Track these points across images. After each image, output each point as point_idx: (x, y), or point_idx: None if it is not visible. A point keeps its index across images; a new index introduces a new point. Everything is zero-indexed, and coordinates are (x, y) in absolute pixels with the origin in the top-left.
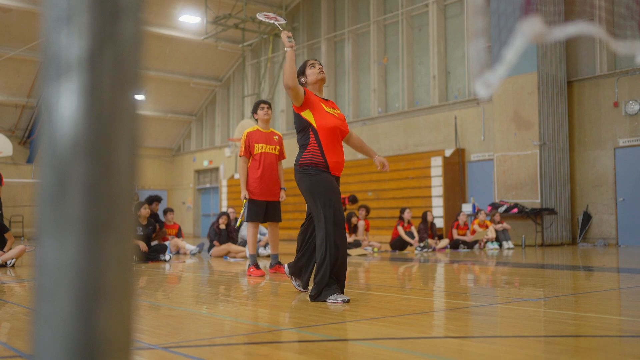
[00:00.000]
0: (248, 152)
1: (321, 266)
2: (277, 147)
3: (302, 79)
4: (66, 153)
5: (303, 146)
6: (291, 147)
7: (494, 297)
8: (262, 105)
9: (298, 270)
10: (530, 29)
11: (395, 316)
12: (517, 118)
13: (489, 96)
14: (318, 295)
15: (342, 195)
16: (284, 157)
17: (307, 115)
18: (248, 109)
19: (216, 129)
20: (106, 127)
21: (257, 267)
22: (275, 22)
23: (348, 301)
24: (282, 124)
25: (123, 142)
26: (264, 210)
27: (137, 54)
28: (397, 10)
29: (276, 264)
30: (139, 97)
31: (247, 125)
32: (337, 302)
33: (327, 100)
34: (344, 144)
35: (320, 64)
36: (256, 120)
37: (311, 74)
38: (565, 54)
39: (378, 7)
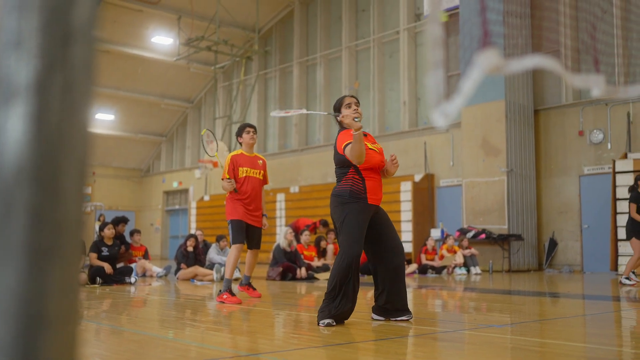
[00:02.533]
0: (232, 175)
1: (327, 295)
2: (261, 171)
3: (338, 118)
4: (11, 178)
5: (342, 174)
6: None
7: (460, 323)
8: (248, 129)
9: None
10: (486, 61)
11: (361, 342)
12: (486, 145)
13: (446, 126)
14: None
15: (313, 220)
16: (267, 182)
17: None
18: (219, 131)
19: (186, 151)
20: (53, 152)
21: (232, 293)
22: (303, 111)
23: (329, 325)
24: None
25: (71, 168)
26: (246, 233)
27: (88, 79)
28: (368, 36)
29: (247, 284)
30: (106, 117)
31: (218, 148)
32: (321, 325)
33: (366, 135)
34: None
35: (357, 102)
36: (240, 143)
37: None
38: (532, 83)
39: (350, 33)
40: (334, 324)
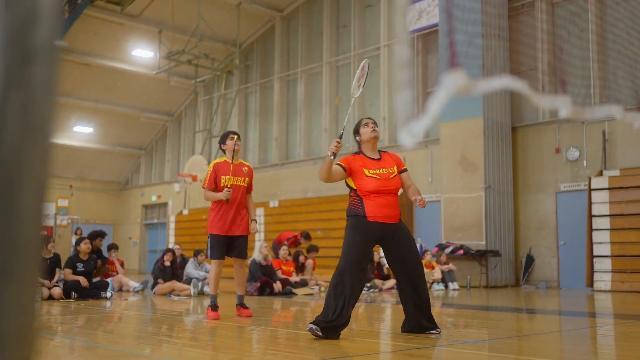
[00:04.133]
0: (213, 184)
1: (326, 307)
2: (246, 178)
3: (357, 138)
4: None
5: (349, 195)
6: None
7: (437, 339)
8: (232, 135)
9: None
10: (453, 82)
11: (337, 358)
12: (464, 161)
13: (412, 145)
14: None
15: (294, 232)
16: (251, 190)
17: (349, 181)
18: (199, 144)
19: (166, 164)
20: (9, 170)
21: (215, 308)
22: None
23: (313, 331)
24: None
25: (29, 187)
26: (226, 247)
27: (49, 98)
28: (349, 52)
29: (240, 304)
30: (85, 130)
31: (198, 161)
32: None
33: (377, 159)
34: None
35: (374, 123)
36: (223, 151)
37: (364, 133)
38: (510, 101)
39: (331, 48)
40: (319, 333)
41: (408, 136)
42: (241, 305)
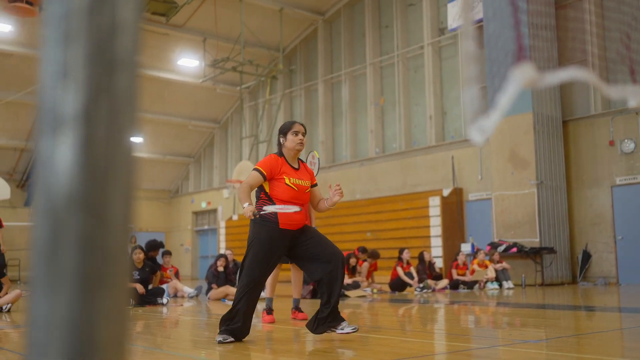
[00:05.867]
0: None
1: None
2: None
3: (281, 139)
4: (60, 207)
5: (257, 196)
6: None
7: (495, 339)
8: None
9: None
10: (522, 76)
11: (408, 358)
12: (514, 157)
13: (482, 142)
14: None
15: (349, 250)
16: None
17: (264, 184)
18: (246, 150)
19: (214, 171)
20: (101, 180)
21: (270, 312)
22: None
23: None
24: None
25: (118, 194)
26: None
27: (132, 105)
28: (392, 52)
29: (296, 308)
30: (137, 140)
31: (246, 167)
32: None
33: (297, 169)
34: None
35: (305, 133)
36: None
37: (290, 140)
38: (559, 94)
39: (374, 49)
40: (230, 339)
41: (478, 132)
42: (296, 308)
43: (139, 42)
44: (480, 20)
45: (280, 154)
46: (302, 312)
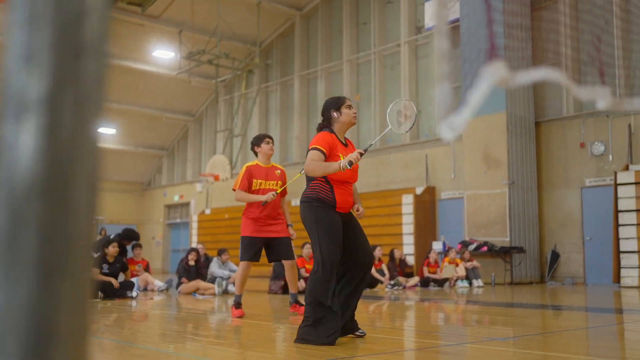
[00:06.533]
0: (246, 186)
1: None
2: (279, 182)
3: (335, 114)
4: (21, 194)
5: (311, 179)
6: None
7: (463, 337)
8: (267, 139)
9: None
10: (494, 74)
11: (365, 356)
12: (487, 157)
13: (453, 139)
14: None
15: None
16: (285, 194)
17: None
18: (220, 144)
19: (188, 164)
20: (64, 168)
21: (238, 306)
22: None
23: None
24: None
25: (82, 182)
26: (260, 250)
27: (99, 93)
28: (369, 49)
29: (295, 302)
30: (109, 130)
31: (219, 161)
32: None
33: (346, 145)
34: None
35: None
36: (256, 154)
37: (346, 114)
38: (533, 95)
39: (351, 46)
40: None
41: (449, 130)
42: (296, 302)
43: (107, 29)
44: (456, 20)
45: (332, 130)
46: (302, 305)
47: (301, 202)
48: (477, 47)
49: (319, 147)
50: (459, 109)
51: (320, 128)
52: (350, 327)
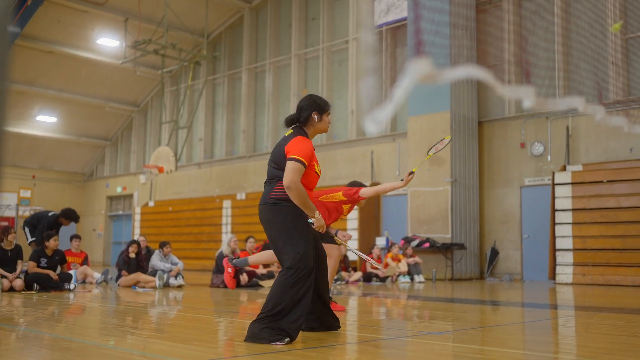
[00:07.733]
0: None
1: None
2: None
3: (316, 117)
4: None
5: (277, 178)
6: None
7: (402, 331)
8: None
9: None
10: (418, 70)
11: (304, 349)
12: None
13: (377, 133)
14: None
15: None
16: None
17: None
18: (165, 135)
19: (131, 155)
20: None
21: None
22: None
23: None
24: (200, 153)
25: None
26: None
27: (1, 76)
28: (318, 44)
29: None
30: (48, 119)
31: (164, 153)
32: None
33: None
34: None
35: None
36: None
37: (325, 122)
38: (477, 95)
39: (300, 41)
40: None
41: (372, 124)
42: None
43: (10, 11)
44: (404, 19)
45: (306, 133)
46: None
47: (266, 202)
48: (408, 44)
49: (301, 159)
50: (382, 103)
51: (292, 123)
52: (332, 324)
